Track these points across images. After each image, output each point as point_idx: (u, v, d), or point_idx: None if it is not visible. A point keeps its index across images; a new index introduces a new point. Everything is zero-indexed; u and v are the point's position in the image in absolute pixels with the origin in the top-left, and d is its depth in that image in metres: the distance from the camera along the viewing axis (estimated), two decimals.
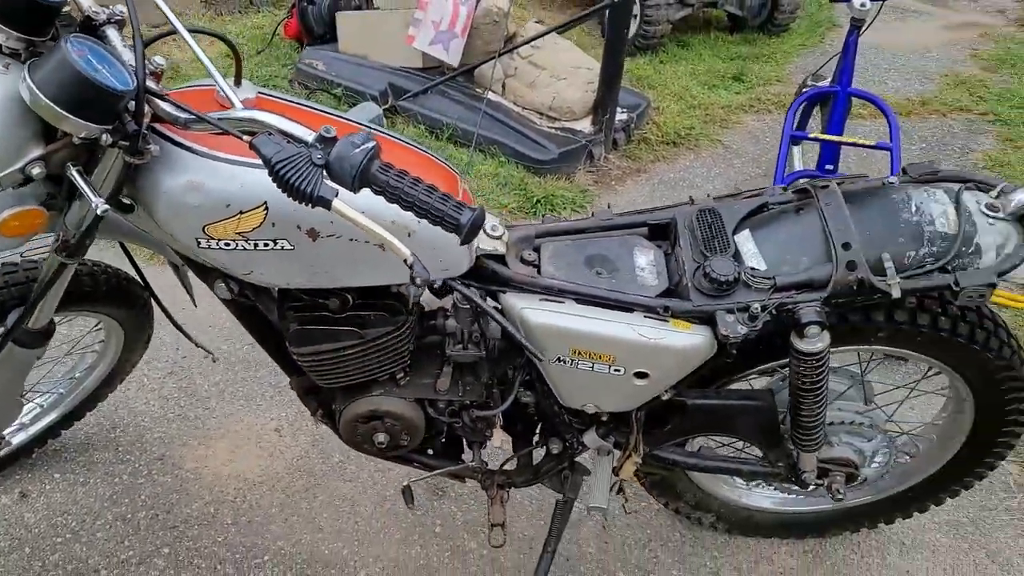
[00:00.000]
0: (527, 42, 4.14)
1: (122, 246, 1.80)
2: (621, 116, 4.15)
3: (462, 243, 1.24)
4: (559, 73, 4.13)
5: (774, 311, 1.58)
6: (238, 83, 1.45)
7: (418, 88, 4.18)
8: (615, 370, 1.64)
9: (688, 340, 1.60)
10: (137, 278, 1.98)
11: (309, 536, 2.19)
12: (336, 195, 1.20)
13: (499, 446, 1.81)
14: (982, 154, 4.41)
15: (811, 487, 1.93)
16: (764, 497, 2.22)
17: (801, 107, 3.42)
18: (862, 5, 3.05)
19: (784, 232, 1.68)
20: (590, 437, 1.84)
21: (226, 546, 2.15)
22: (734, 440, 2.00)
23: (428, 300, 1.80)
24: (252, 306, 1.67)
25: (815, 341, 1.59)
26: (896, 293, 1.55)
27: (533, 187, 3.73)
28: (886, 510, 2.20)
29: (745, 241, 1.68)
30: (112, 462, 2.34)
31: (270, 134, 1.20)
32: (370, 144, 1.20)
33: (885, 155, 3.33)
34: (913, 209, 1.62)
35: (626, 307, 1.62)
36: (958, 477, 2.07)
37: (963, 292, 1.54)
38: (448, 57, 4.15)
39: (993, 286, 1.54)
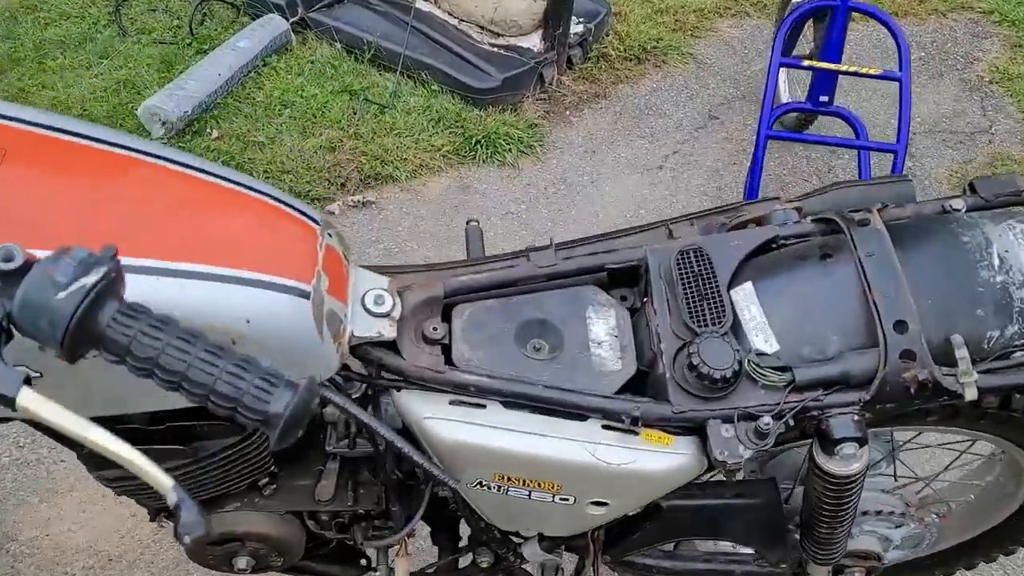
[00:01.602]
0: None
1: None
2: (577, 28, 3.51)
3: (275, 445, 0.71)
4: None
5: (791, 421, 1.08)
6: None
7: None
8: (562, 499, 1.15)
9: (667, 462, 1.10)
10: None
11: None
12: (24, 381, 0.66)
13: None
14: (987, 64, 3.86)
15: None
16: None
17: (792, 25, 2.83)
18: None
19: (804, 290, 1.16)
20: (531, 550, 1.36)
21: None
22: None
23: None
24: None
25: (850, 461, 1.10)
26: (971, 395, 1.05)
27: (472, 123, 3.12)
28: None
29: (746, 301, 1.16)
30: None
31: None
32: (92, 277, 0.65)
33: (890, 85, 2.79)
34: (996, 260, 1.10)
35: (576, 412, 1.11)
36: (1002, 543, 1.63)
37: None
38: None
39: None
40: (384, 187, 2.96)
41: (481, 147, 3.06)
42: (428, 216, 2.89)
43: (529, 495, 1.14)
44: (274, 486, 1.29)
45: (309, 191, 2.88)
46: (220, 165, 1.06)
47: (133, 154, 0.98)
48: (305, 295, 0.99)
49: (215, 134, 3.02)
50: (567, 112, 3.36)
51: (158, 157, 0.99)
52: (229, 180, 1.03)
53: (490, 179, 3.04)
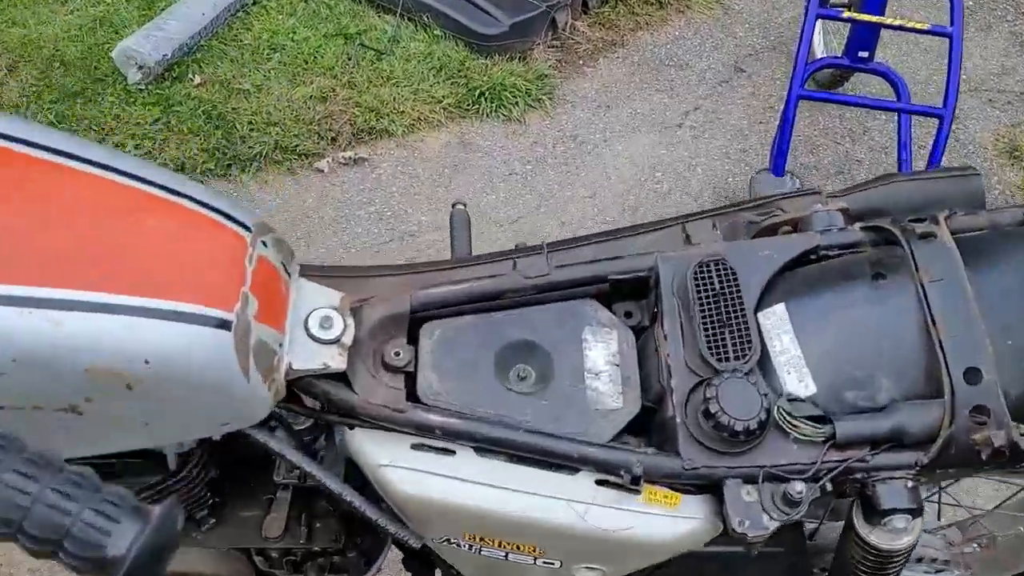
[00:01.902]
0: None
1: None
2: None
3: None
4: None
5: (829, 484, 0.88)
6: None
7: None
8: (545, 563, 0.96)
9: (672, 528, 0.90)
10: None
11: None
12: None
13: None
14: None
15: None
16: None
17: None
18: None
19: (850, 318, 0.95)
20: None
21: None
22: None
23: None
24: None
25: (899, 535, 0.90)
26: None
27: (476, 73, 2.87)
28: None
29: (777, 328, 0.95)
30: None
31: None
32: None
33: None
34: None
35: (565, 462, 0.92)
36: None
37: None
38: None
39: None
40: (378, 142, 2.73)
41: (485, 100, 2.82)
42: (425, 176, 2.66)
43: (506, 556, 0.96)
44: (213, 520, 1.11)
45: (297, 146, 2.66)
46: (126, 156, 0.84)
47: (5, 143, 0.77)
48: (225, 325, 0.79)
49: (197, 80, 2.79)
50: (580, 62, 3.10)
51: (39, 147, 0.78)
52: (135, 177, 0.82)
53: (494, 135, 2.81)
